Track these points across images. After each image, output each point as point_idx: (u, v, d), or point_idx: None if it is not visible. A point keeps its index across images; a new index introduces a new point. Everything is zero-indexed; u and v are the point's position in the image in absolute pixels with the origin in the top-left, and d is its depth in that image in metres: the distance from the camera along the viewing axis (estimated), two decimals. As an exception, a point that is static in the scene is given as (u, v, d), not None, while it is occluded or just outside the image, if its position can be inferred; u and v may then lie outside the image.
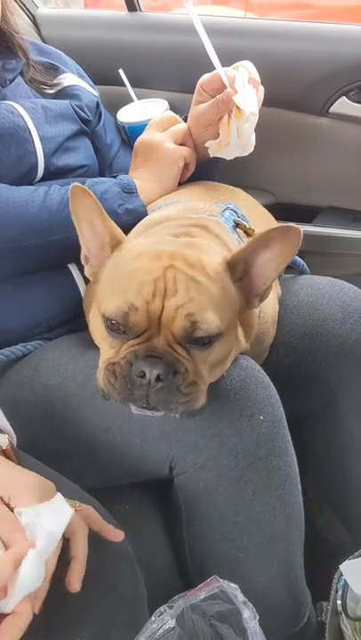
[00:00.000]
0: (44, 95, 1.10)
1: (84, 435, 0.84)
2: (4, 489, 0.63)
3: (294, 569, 0.86)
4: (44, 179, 1.03)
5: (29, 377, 0.89)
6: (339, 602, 0.88)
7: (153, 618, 0.73)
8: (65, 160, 1.06)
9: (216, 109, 1.01)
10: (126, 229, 0.92)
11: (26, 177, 1.01)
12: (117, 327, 0.72)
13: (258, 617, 0.74)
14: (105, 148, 1.20)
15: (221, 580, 0.76)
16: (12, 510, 0.62)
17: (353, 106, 1.24)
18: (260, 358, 0.97)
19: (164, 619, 0.73)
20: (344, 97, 1.23)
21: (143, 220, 0.96)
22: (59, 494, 0.63)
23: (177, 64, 1.33)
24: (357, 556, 0.90)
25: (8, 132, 0.98)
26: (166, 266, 0.72)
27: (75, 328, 0.98)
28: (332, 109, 1.25)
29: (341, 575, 0.89)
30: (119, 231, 0.80)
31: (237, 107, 0.99)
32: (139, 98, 1.29)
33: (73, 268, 0.99)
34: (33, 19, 1.47)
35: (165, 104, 1.27)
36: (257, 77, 1.02)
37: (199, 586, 0.77)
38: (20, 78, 1.08)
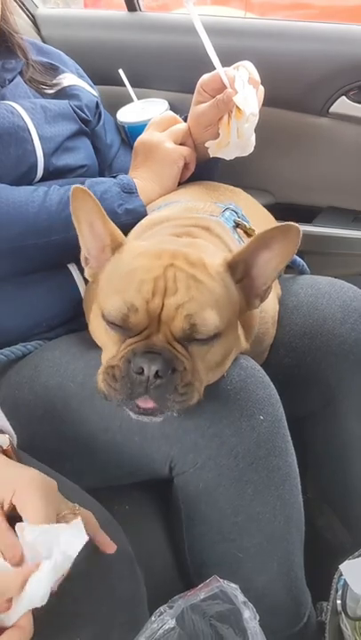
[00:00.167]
0: (44, 95, 1.10)
1: (83, 435, 0.84)
2: (7, 485, 0.64)
3: (294, 569, 0.86)
4: (43, 179, 1.03)
5: (29, 377, 0.89)
6: (339, 602, 0.88)
7: (153, 618, 0.73)
8: (64, 160, 1.06)
9: (216, 109, 1.01)
10: (126, 229, 0.92)
11: (25, 177, 1.01)
12: (118, 327, 0.72)
13: (258, 617, 0.74)
14: (105, 148, 1.20)
15: (221, 580, 0.76)
16: (16, 511, 0.62)
17: (353, 106, 1.23)
18: (261, 358, 0.97)
19: (164, 619, 0.72)
20: (344, 97, 1.23)
21: (143, 220, 0.96)
22: (79, 519, 0.63)
23: (177, 64, 1.33)
24: (357, 556, 0.90)
25: (7, 132, 0.98)
26: (167, 264, 0.72)
27: (75, 328, 0.98)
28: (332, 109, 1.25)
29: (341, 575, 0.89)
30: (120, 233, 0.80)
31: (237, 107, 0.99)
32: (139, 98, 1.29)
33: (73, 269, 0.99)
34: (33, 19, 1.47)
35: (165, 104, 1.27)
36: (257, 77, 1.02)
37: (199, 586, 0.77)
38: (19, 78, 1.08)
